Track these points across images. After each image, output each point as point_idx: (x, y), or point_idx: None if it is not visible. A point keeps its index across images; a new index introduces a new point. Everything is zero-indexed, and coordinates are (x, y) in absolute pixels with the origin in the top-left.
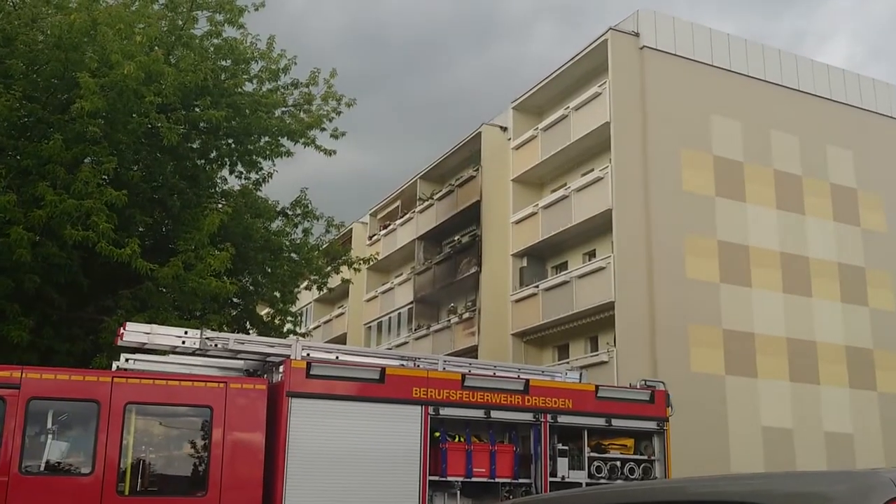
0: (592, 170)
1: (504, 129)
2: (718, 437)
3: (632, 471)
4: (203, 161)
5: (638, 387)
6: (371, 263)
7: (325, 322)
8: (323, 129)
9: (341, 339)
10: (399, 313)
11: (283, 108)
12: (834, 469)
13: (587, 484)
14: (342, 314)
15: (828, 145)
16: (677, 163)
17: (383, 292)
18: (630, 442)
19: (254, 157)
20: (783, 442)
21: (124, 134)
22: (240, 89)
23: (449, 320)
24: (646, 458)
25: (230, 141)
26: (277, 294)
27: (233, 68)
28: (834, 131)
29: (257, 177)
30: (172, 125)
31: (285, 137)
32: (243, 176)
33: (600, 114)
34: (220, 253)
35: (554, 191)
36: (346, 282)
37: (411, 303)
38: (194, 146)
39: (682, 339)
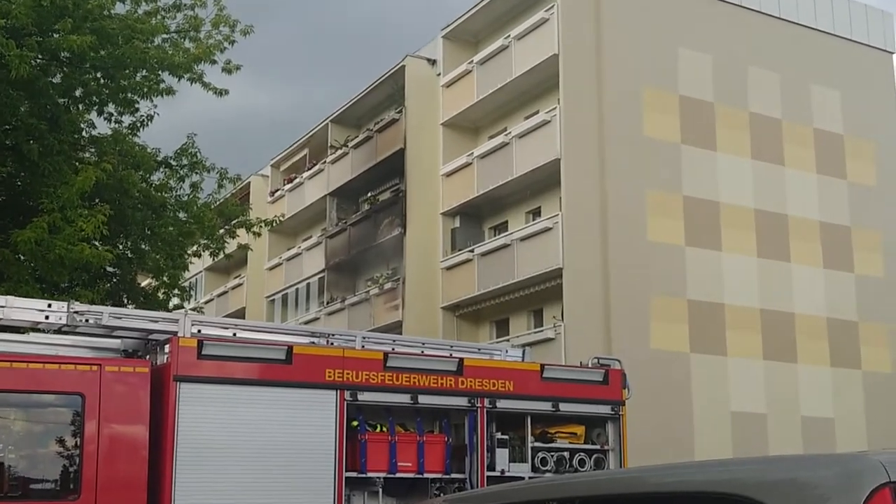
0: (537, 112)
1: (432, 62)
2: (682, 424)
3: (582, 462)
4: (66, 100)
5: (590, 365)
6: (275, 225)
7: (220, 295)
8: (213, 63)
9: (239, 315)
10: (308, 284)
11: (164, 36)
12: (815, 453)
13: (531, 478)
14: (240, 286)
15: (812, 84)
16: (638, 104)
17: (289, 259)
18: (580, 429)
19: (128, 94)
20: (755, 428)
21: None
22: (109, 11)
23: (367, 292)
24: (598, 447)
25: (98, 75)
26: (161, 261)
27: None
28: (819, 67)
29: (133, 119)
30: (24, 52)
31: (166, 72)
32: (113, 118)
33: (547, 44)
34: (92, 215)
35: (492, 137)
36: (243, 248)
37: (322, 271)
38: (54, 81)
39: (641, 311)
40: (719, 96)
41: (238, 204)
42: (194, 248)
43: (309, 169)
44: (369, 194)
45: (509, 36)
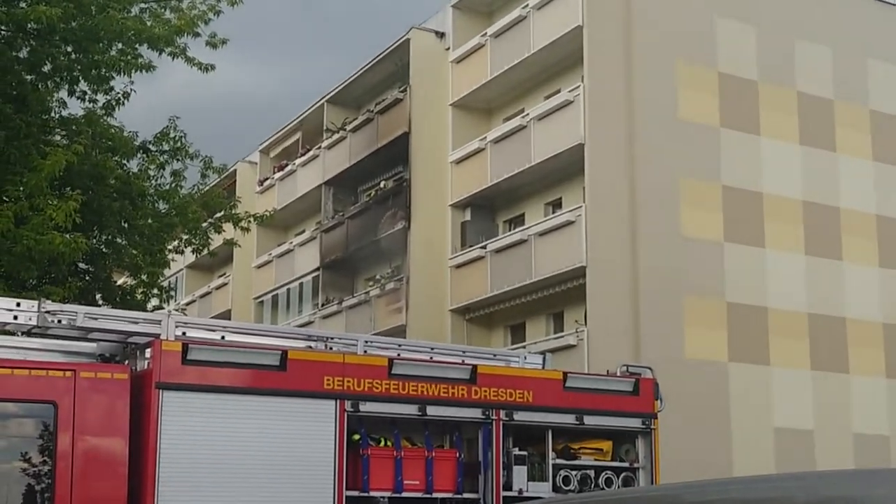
0: (559, 91)
1: (441, 35)
2: (719, 441)
3: (609, 481)
4: (34, 76)
5: (618, 374)
6: (265, 220)
7: (202, 296)
8: (197, 36)
9: (224, 318)
10: (301, 284)
11: (143, 5)
12: (875, 468)
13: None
14: (225, 285)
15: (868, 59)
16: (671, 82)
17: (279, 256)
18: (607, 445)
19: (102, 70)
20: (801, 446)
21: None
22: None
23: (367, 293)
24: (627, 465)
25: (69, 49)
26: (139, 256)
27: None
28: (877, 41)
29: (108, 98)
30: None
31: (145, 45)
32: (87, 97)
33: (570, 15)
34: (63, 202)
35: (507, 119)
36: (229, 243)
37: (317, 270)
38: (21, 55)
39: (674, 315)
40: (763, 73)
41: (224, 195)
42: (175, 243)
43: (302, 155)
44: (370, 184)
45: (527, 5)
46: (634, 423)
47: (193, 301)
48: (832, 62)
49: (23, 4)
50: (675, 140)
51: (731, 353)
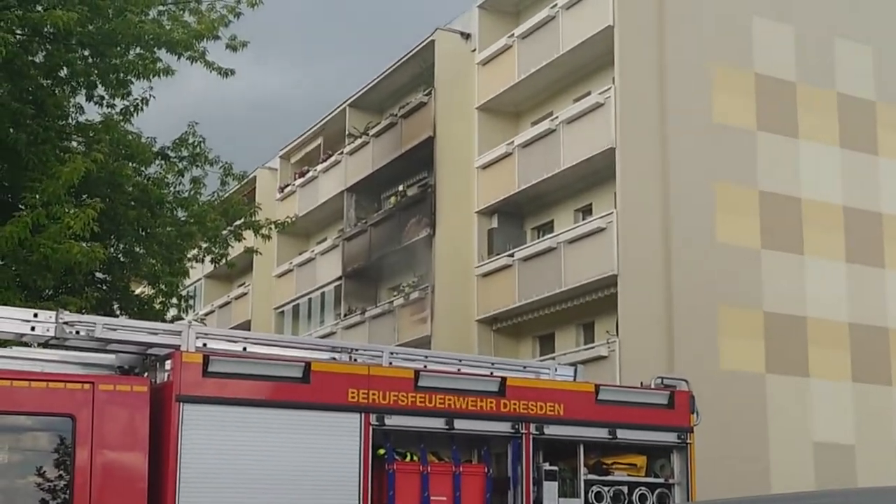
0: (589, 93)
1: (466, 36)
2: (756, 456)
3: (643, 498)
4: (50, 81)
5: (652, 386)
6: (286, 227)
7: (221, 306)
8: (217, 38)
9: (244, 329)
10: (322, 293)
11: (161, 8)
12: None
13: None
14: (244, 295)
15: None
16: (706, 84)
17: (300, 265)
18: (641, 460)
19: (120, 74)
20: (842, 461)
21: None
22: None
23: (391, 302)
24: (662, 480)
25: (86, 53)
26: (157, 265)
27: None
28: None
29: (126, 104)
30: (3, 31)
31: (164, 49)
32: (105, 102)
33: (601, 15)
34: (81, 210)
35: (535, 123)
36: (250, 251)
37: (339, 278)
38: (37, 60)
39: (708, 325)
40: (802, 74)
41: (244, 202)
42: (194, 251)
43: (324, 161)
44: (393, 190)
45: (556, 5)
46: (669, 437)
47: (212, 311)
48: (872, 62)
49: (38, 8)
50: (709, 143)
51: (769, 364)
